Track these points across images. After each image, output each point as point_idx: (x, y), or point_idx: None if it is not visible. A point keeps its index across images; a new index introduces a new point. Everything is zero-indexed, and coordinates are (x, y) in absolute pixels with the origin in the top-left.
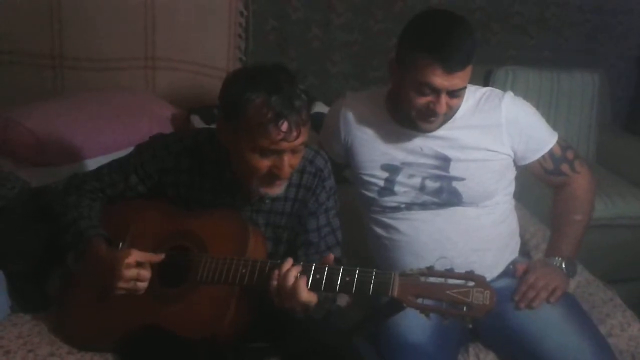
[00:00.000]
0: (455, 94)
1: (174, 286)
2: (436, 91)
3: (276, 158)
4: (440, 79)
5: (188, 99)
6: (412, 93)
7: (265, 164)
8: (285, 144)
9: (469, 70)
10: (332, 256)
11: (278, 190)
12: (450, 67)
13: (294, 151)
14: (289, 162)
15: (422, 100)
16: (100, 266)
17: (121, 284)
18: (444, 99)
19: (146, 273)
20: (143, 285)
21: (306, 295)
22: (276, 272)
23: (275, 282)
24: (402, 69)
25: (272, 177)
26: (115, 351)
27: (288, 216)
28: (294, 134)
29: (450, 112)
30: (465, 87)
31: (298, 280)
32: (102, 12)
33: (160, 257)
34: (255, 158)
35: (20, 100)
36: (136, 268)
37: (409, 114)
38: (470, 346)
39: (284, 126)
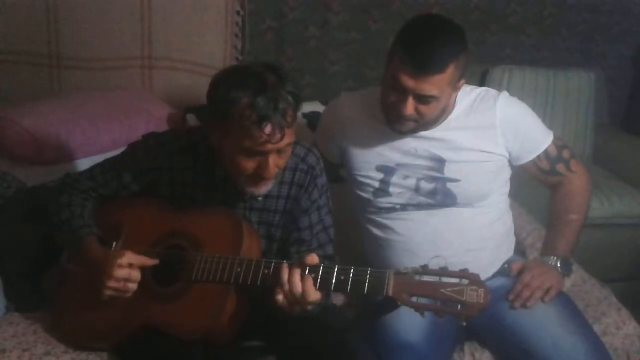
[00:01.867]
0: (425, 100)
1: (169, 285)
2: (403, 91)
3: (261, 159)
4: (407, 78)
5: (184, 99)
6: (385, 87)
7: (250, 164)
8: (269, 146)
9: (442, 79)
10: (314, 258)
11: (264, 189)
12: (418, 70)
13: (280, 152)
14: (275, 162)
15: (391, 97)
16: (93, 266)
17: (111, 283)
18: (410, 101)
19: (137, 274)
20: (132, 286)
21: (315, 294)
22: (285, 277)
23: (281, 297)
24: (385, 64)
25: (257, 177)
26: (110, 351)
27: (281, 214)
28: (278, 135)
29: (422, 119)
30: (436, 98)
31: (305, 284)
32: (99, 12)
33: (155, 262)
34: (241, 158)
35: (17, 100)
36: (128, 268)
37: (383, 110)
38: (466, 345)
39: (268, 128)
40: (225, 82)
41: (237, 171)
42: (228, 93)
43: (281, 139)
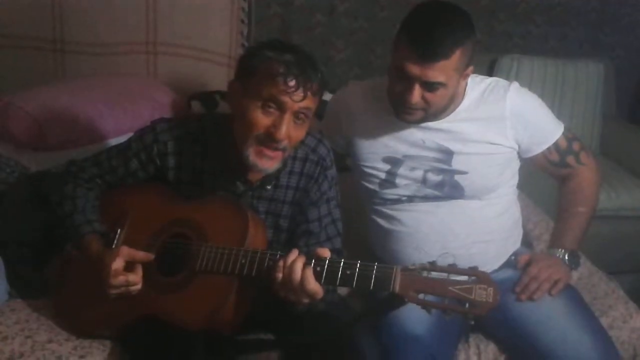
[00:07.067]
0: (431, 87)
1: (173, 275)
2: (409, 79)
3: (276, 118)
4: (412, 66)
5: (189, 85)
6: (391, 77)
7: (264, 120)
8: (288, 99)
9: (448, 65)
10: (327, 251)
11: (268, 164)
12: (423, 57)
13: (296, 116)
14: (289, 130)
15: (398, 87)
16: (92, 264)
17: (112, 291)
18: (417, 89)
19: (135, 277)
20: (135, 288)
21: (314, 286)
22: (281, 263)
23: (280, 275)
24: (392, 52)
25: (267, 139)
26: (113, 339)
27: (289, 205)
28: (300, 93)
29: (430, 107)
30: (443, 84)
31: (305, 272)
32: None
33: (150, 257)
34: (256, 111)
35: (21, 85)
36: (124, 275)
37: (390, 101)
38: (471, 337)
39: (292, 82)
40: (251, 49)
41: (248, 128)
42: (259, 50)
43: (303, 98)
